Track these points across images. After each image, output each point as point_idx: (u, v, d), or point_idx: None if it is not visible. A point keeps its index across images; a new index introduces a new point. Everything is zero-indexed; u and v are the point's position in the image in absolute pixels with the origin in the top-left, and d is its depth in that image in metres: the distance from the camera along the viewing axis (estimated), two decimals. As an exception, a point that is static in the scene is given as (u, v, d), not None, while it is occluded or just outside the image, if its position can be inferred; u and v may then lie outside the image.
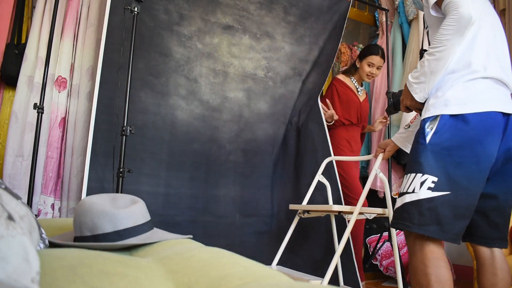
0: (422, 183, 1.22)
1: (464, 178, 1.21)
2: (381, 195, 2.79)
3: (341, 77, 2.65)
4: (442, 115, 1.25)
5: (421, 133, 1.28)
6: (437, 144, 1.24)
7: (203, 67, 2.31)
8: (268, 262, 2.06)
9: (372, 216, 1.85)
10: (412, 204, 1.23)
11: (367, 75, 2.54)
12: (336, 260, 1.70)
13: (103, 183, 1.84)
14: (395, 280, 2.43)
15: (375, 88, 3.01)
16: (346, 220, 2.02)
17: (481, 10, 1.31)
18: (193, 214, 2.21)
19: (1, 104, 2.14)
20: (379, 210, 1.84)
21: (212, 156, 2.30)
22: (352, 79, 2.61)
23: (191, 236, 1.14)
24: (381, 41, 3.09)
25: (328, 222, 2.32)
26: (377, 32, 3.29)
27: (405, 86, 1.40)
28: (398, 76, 2.89)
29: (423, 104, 1.36)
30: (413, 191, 1.23)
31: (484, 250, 1.35)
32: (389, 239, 2.38)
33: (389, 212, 1.85)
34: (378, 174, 1.86)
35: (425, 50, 1.39)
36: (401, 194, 1.29)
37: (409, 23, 2.93)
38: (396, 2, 2.99)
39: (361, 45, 3.25)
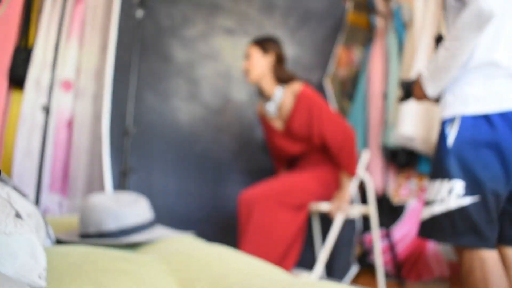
0: (450, 190, 1.15)
1: (491, 180, 1.13)
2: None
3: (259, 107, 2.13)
4: (463, 117, 1.17)
5: (441, 134, 1.21)
6: (460, 146, 1.16)
7: (205, 69, 2.32)
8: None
9: (355, 214, 1.93)
10: (443, 215, 1.15)
11: (243, 72, 2.03)
12: (325, 255, 1.78)
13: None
14: (391, 277, 2.46)
15: (371, 90, 2.99)
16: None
17: None
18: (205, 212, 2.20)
19: (10, 105, 2.19)
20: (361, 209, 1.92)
21: (215, 158, 2.29)
22: (266, 104, 2.01)
23: (192, 234, 1.16)
24: (377, 45, 3.10)
25: (326, 221, 2.32)
26: (373, 35, 3.27)
27: (418, 76, 1.31)
28: (395, 79, 2.88)
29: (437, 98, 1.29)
30: (441, 200, 1.16)
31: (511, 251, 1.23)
32: (385, 236, 2.44)
33: (370, 210, 1.94)
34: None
35: (440, 37, 1.30)
36: (427, 203, 1.21)
37: (405, 26, 2.92)
38: (392, 6, 2.99)
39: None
